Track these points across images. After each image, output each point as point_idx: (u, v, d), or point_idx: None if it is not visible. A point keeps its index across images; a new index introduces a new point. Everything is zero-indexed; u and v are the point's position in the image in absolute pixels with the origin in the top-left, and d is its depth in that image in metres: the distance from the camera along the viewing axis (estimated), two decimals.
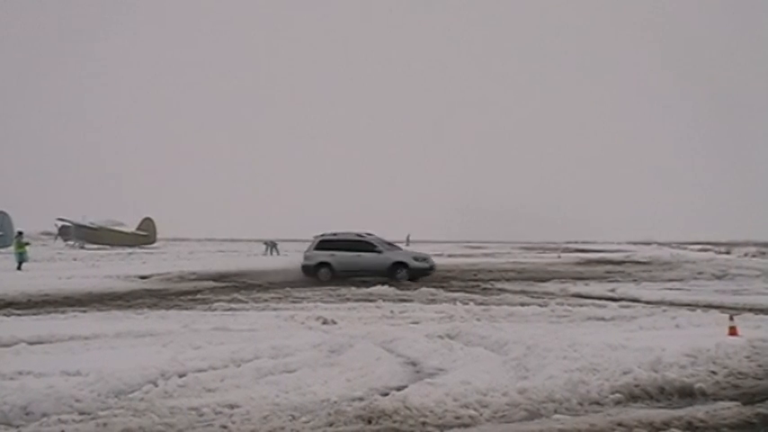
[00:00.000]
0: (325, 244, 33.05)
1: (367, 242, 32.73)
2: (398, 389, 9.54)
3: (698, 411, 8.55)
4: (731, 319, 14.11)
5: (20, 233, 41.75)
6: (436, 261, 35.43)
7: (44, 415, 8.19)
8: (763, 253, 60.41)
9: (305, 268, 32.67)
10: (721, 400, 9.19)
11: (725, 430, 7.67)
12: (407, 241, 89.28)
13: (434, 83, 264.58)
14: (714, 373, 10.41)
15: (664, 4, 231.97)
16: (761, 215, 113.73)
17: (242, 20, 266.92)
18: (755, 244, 76.46)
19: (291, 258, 39.74)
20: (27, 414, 8.23)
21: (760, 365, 10.95)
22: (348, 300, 22.29)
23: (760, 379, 10.44)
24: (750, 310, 18.76)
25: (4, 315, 17.83)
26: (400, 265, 31.92)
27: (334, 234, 33.37)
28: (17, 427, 7.84)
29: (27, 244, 39.73)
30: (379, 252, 32.35)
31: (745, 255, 60.02)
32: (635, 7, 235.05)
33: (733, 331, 13.26)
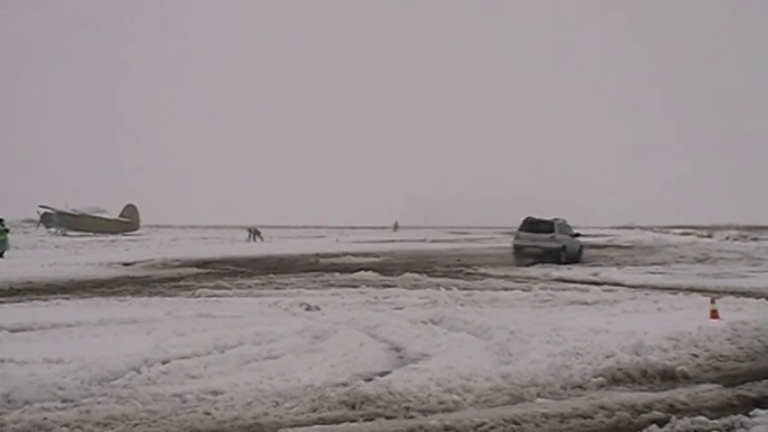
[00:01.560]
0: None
1: None
2: (382, 374, 9.55)
3: (680, 394, 8.62)
4: (712, 302, 14.21)
5: (0, 220, 41.30)
6: (420, 247, 36.33)
7: (26, 402, 8.14)
8: (745, 236, 60.90)
9: None
10: (703, 382, 9.27)
11: (706, 412, 7.71)
12: (395, 227, 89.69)
13: (426, 73, 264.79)
14: (696, 356, 10.50)
15: None
16: (742, 199, 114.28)
17: (230, 16, 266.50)
18: (737, 228, 76.97)
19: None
20: (9, 402, 8.18)
21: (741, 348, 11.05)
22: (332, 286, 22.30)
23: (741, 361, 10.55)
24: (731, 293, 18.90)
25: None
26: None
27: None
28: None
29: (7, 231, 39.34)
30: None
31: (727, 238, 60.46)
32: None
33: (714, 314, 13.36)
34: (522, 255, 33.98)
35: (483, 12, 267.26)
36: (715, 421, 7.30)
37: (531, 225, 35.11)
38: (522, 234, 35.18)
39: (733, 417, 7.47)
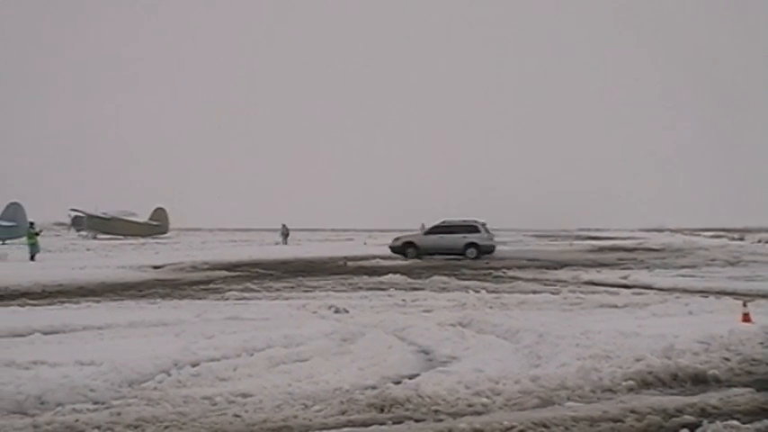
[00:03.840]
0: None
1: None
2: (411, 377, 9.56)
3: (711, 398, 8.53)
4: (744, 305, 14.09)
5: (31, 224, 41.66)
6: None
7: (59, 404, 8.24)
8: None
9: None
10: (735, 386, 9.16)
11: (738, 416, 7.64)
12: (423, 229, 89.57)
13: (449, 76, 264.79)
14: (727, 359, 10.39)
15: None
16: None
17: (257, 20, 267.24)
18: None
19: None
20: (42, 403, 8.28)
21: None
22: (360, 288, 22.32)
23: None
24: (764, 296, 18.70)
25: (19, 305, 17.91)
26: None
27: None
28: (32, 416, 7.88)
29: (38, 234, 39.67)
30: None
31: (759, 241, 59.80)
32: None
33: (746, 318, 13.23)
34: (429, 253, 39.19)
35: (483, 12, 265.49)
36: (747, 426, 7.22)
37: (444, 227, 40.35)
38: (427, 236, 40.62)
39: (766, 421, 7.40)
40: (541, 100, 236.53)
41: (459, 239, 39.32)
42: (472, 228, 40.05)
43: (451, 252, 39.40)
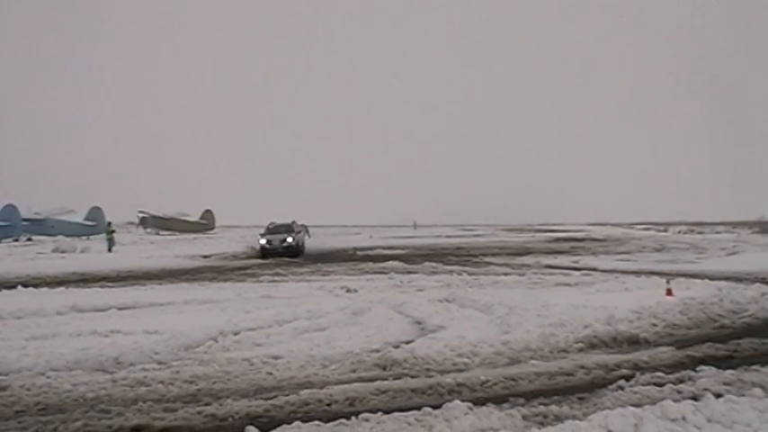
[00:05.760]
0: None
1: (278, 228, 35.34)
2: (407, 342, 9.58)
3: (642, 355, 8.59)
4: (668, 282, 14.17)
5: (109, 223, 42.22)
6: (438, 242, 36.13)
7: (131, 364, 8.29)
8: (692, 231, 60.38)
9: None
10: (660, 346, 9.22)
11: (663, 369, 7.69)
12: (414, 226, 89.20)
13: (424, 80, 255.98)
14: (655, 325, 10.45)
15: None
16: (690, 200, 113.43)
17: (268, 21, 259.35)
18: (686, 223, 76.39)
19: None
20: (118, 363, 8.35)
21: (689, 318, 11.01)
22: (366, 272, 22.30)
23: (689, 329, 10.52)
24: (683, 275, 18.71)
25: (99, 287, 17.99)
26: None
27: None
28: (111, 373, 7.94)
29: (114, 231, 40.00)
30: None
31: (679, 232, 60.00)
32: None
33: (669, 292, 13.28)
34: (269, 250, 33.18)
35: (482, 11, 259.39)
36: (669, 376, 7.26)
37: (275, 228, 35.87)
38: (267, 236, 34.76)
39: (683, 372, 7.45)
40: (509, 102, 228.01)
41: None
42: (289, 228, 35.72)
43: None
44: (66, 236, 51.49)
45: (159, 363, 8.43)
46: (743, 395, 6.00)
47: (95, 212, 60.12)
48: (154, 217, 76.91)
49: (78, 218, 60.32)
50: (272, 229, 35.43)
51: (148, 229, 76.93)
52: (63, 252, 36.13)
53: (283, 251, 32.89)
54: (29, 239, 52.92)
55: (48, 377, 7.68)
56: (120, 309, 12.96)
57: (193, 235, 70.80)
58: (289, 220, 37.28)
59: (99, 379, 7.64)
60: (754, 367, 7.50)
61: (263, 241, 33.75)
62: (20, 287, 16.95)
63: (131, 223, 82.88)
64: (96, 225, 57.35)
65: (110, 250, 37.02)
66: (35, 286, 17.70)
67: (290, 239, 33.72)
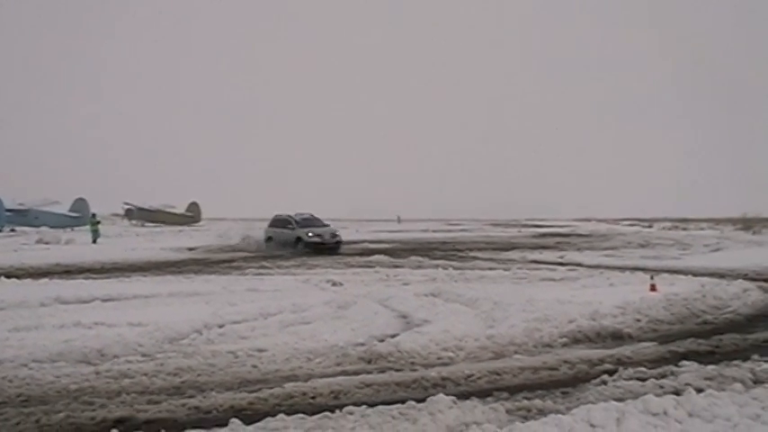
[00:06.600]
0: (271, 222, 33.16)
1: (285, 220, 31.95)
2: (392, 336, 9.59)
3: (626, 350, 8.65)
4: (652, 278, 14.27)
5: (93, 215, 42.02)
6: (424, 236, 35.38)
7: (115, 356, 8.26)
8: (677, 227, 60.75)
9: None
10: (644, 341, 9.31)
11: (646, 364, 7.75)
12: (398, 220, 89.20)
13: (410, 76, 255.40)
14: (638, 320, 10.54)
15: None
16: (674, 197, 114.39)
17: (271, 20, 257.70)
18: (671, 220, 76.84)
19: None
20: (102, 355, 8.31)
21: (673, 314, 11.12)
22: (352, 266, 22.27)
23: (672, 324, 10.63)
24: (667, 271, 18.88)
25: (83, 279, 17.86)
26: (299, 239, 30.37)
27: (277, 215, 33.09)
28: (95, 365, 7.90)
29: (99, 223, 39.84)
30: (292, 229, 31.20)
31: (663, 228, 60.34)
32: None
33: (653, 288, 13.38)
34: (317, 245, 30.01)
35: (481, 11, 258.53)
36: (652, 371, 7.32)
37: (278, 221, 32.67)
38: (270, 228, 32.85)
39: (666, 367, 7.52)
40: (498, 103, 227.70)
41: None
42: (316, 220, 32.39)
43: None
44: (51, 227, 51.10)
45: (143, 355, 8.40)
46: (724, 390, 6.07)
47: (80, 204, 59.66)
48: (139, 209, 76.48)
49: (63, 209, 59.85)
50: (302, 222, 31.40)
51: (134, 221, 76.47)
52: (47, 243, 35.83)
53: (333, 246, 30.33)
54: (12, 230, 52.46)
55: (30, 369, 7.62)
56: (105, 301, 12.86)
57: (179, 227, 70.49)
58: (283, 213, 33.29)
59: (82, 371, 7.60)
60: (735, 362, 7.60)
61: (309, 235, 30.18)
62: (3, 278, 16.79)
63: (117, 215, 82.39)
64: (81, 217, 56.93)
65: (94, 242, 36.83)
66: (18, 277, 17.55)
67: (338, 234, 31.55)
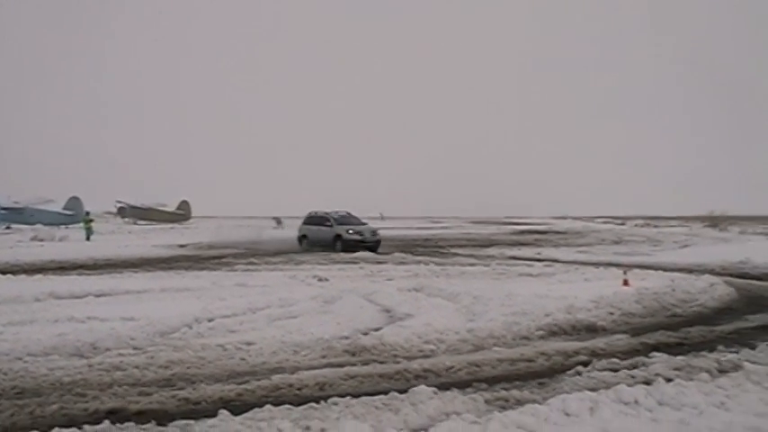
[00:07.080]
0: (306, 220, 31.29)
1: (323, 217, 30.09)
2: (376, 330, 9.58)
3: (599, 342, 8.70)
4: (624, 273, 14.39)
5: (87, 212, 41.80)
6: (407, 233, 35.23)
7: (107, 349, 8.18)
8: (648, 224, 61.28)
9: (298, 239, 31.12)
10: (616, 333, 9.36)
11: (618, 355, 7.81)
12: (381, 217, 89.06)
13: (397, 77, 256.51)
14: (612, 313, 10.61)
15: None
16: (646, 195, 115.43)
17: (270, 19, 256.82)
18: (642, 217, 77.54)
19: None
20: (95, 348, 8.22)
21: (644, 308, 11.22)
22: (338, 262, 22.24)
23: (644, 317, 10.73)
24: (639, 266, 19.02)
25: (77, 275, 17.69)
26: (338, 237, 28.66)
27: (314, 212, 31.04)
28: (87, 358, 7.83)
29: (92, 220, 39.63)
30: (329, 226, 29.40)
31: (635, 225, 60.86)
32: None
33: (626, 282, 13.48)
34: (358, 243, 28.17)
35: (481, 10, 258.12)
36: (624, 362, 7.37)
37: (313, 218, 30.65)
38: (304, 226, 31.05)
39: (637, 358, 7.58)
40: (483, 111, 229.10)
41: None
42: (352, 218, 30.73)
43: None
44: (45, 225, 50.74)
45: (135, 348, 8.33)
46: (691, 379, 6.14)
47: (74, 202, 59.21)
48: (132, 207, 76.08)
49: (57, 207, 59.39)
50: (340, 220, 29.56)
51: (126, 219, 76.03)
52: (41, 240, 35.52)
53: (373, 244, 28.51)
54: (7, 228, 51.96)
55: (25, 362, 7.54)
56: (98, 296, 12.76)
57: (170, 225, 70.10)
58: (319, 210, 30.96)
59: (75, 364, 7.53)
60: (702, 353, 7.68)
61: (349, 233, 28.47)
62: None
63: (109, 213, 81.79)
64: (75, 214, 56.51)
65: (88, 239, 36.57)
66: (13, 273, 17.37)
67: (378, 232, 30.01)
